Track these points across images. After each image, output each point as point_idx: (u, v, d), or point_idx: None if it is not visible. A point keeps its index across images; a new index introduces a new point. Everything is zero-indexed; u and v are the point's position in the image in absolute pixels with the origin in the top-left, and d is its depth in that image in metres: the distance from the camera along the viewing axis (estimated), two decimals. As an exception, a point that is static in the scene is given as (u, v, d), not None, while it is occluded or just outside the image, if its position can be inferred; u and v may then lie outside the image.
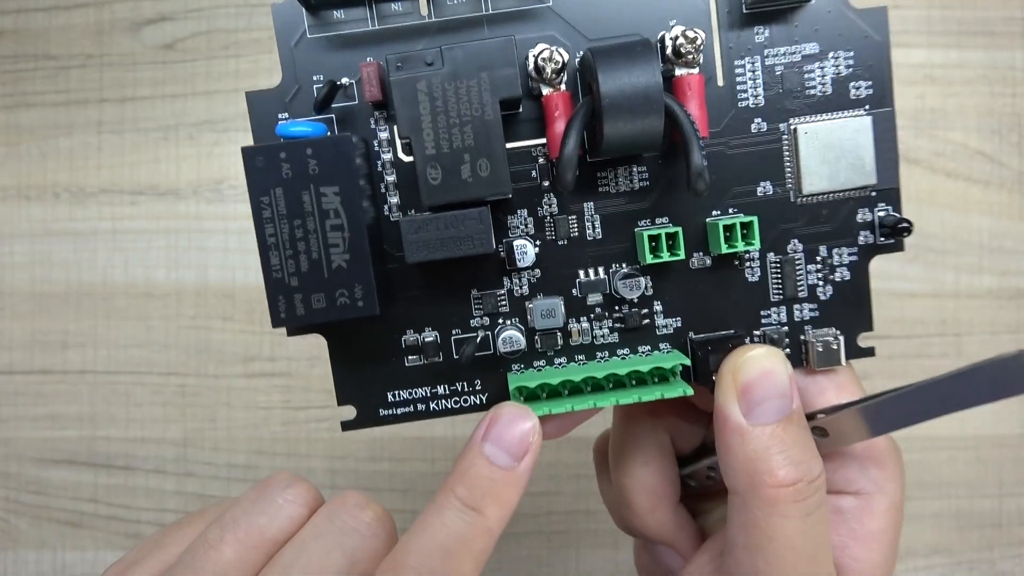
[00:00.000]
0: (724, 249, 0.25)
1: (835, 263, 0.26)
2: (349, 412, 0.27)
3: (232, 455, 0.47)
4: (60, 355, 0.47)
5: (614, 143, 0.23)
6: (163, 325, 0.47)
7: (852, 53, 0.26)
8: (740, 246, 0.25)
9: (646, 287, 0.26)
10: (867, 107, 0.26)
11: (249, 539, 0.23)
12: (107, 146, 0.47)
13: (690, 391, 0.25)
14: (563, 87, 0.25)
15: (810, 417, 0.25)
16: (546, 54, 0.24)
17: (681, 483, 0.30)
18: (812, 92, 0.26)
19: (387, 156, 0.25)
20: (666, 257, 0.25)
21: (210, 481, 0.47)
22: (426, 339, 0.26)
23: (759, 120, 0.26)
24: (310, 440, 0.47)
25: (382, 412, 0.27)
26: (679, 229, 0.25)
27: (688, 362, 0.25)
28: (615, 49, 0.23)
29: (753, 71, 0.26)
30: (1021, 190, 0.46)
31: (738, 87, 0.26)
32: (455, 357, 0.26)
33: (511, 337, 0.26)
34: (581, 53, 0.25)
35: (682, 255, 0.25)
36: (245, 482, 0.47)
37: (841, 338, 0.26)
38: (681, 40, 0.24)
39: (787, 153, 0.26)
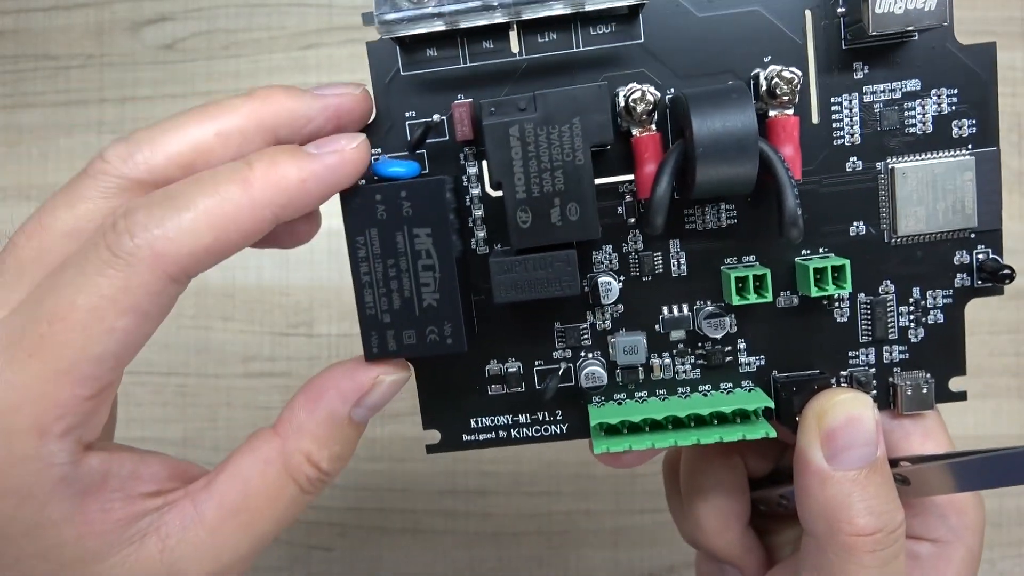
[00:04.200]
0: (814, 292, 0.25)
1: (928, 305, 0.26)
2: (433, 436, 0.28)
3: (232, 455, 0.48)
4: (61, 355, 0.49)
5: (705, 188, 0.23)
6: (163, 325, 0.47)
7: (956, 90, 0.25)
8: (830, 289, 0.24)
9: (730, 326, 0.26)
10: (970, 146, 0.25)
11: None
12: (108, 146, 0.48)
13: (773, 433, 0.25)
14: (653, 127, 0.24)
15: (893, 464, 0.25)
16: (637, 94, 0.24)
17: (751, 505, 0.30)
18: (912, 130, 0.25)
19: (475, 191, 0.26)
20: (752, 299, 0.25)
21: (210, 481, 0.48)
22: (509, 369, 0.27)
23: (854, 159, 0.25)
24: (310, 440, 0.47)
25: (465, 437, 0.27)
26: (767, 271, 0.25)
27: (772, 404, 0.25)
28: (710, 94, 0.23)
29: (850, 109, 0.25)
30: (1021, 190, 0.45)
31: (834, 125, 0.25)
32: (537, 388, 0.27)
33: (594, 373, 0.26)
34: (672, 91, 0.25)
35: (769, 297, 0.25)
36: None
37: (932, 382, 0.26)
38: (777, 80, 0.24)
39: (883, 193, 0.25)
